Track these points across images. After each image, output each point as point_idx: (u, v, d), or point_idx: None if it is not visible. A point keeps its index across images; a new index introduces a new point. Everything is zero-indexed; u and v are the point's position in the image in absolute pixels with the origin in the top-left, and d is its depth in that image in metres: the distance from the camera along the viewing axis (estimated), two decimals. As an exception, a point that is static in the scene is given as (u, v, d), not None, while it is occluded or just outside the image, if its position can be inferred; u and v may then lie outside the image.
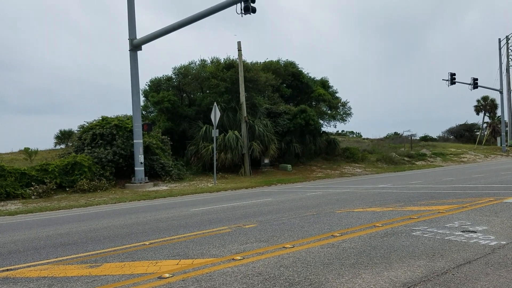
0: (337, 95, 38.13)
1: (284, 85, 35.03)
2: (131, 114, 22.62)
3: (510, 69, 48.05)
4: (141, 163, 21.58)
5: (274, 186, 20.56)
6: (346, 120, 37.79)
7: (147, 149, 23.03)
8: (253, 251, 5.32)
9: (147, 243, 6.53)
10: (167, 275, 4.42)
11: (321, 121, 35.55)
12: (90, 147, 22.05)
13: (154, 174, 23.23)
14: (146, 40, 21.60)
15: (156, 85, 30.18)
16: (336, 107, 37.13)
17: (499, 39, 47.80)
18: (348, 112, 37.44)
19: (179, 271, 4.56)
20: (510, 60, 48.11)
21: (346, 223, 7.11)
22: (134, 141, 21.73)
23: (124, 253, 5.84)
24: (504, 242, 4.97)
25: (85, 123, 24.25)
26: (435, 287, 3.59)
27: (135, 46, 21.73)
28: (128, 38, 21.77)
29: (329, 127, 37.96)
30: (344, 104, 37.60)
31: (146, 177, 22.06)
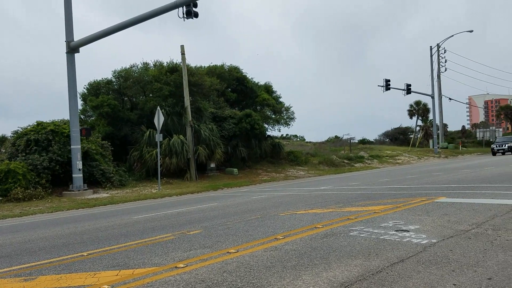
0: (280, 100, 38.83)
1: (229, 89, 35.14)
2: (69, 118, 21.66)
3: (441, 76, 51.44)
4: (79, 169, 20.70)
5: (220, 191, 20.52)
6: (289, 124, 38.60)
7: (86, 155, 22.13)
8: (197, 258, 5.30)
9: (85, 253, 6.29)
10: (106, 286, 4.29)
11: (266, 125, 36.02)
12: (24, 154, 20.86)
13: (94, 181, 22.35)
14: (84, 42, 20.81)
15: (95, 88, 29.07)
16: (280, 112, 37.79)
17: (431, 47, 51.03)
18: (292, 116, 38.28)
19: (119, 282, 4.44)
20: (441, 67, 51.49)
21: (289, 225, 7.27)
22: (72, 146, 20.82)
23: (60, 265, 5.59)
24: (435, 240, 5.32)
25: (19, 129, 22.95)
26: (370, 286, 3.78)
27: (72, 49, 20.86)
28: (65, 40, 20.85)
29: (273, 131, 38.65)
30: (288, 109, 38.38)
31: (85, 184, 21.19)
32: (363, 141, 58.16)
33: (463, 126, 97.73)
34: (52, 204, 17.54)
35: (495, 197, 8.92)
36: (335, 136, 59.46)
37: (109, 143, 24.83)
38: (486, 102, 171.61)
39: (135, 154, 25.79)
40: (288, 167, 31.86)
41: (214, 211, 10.78)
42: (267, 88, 38.30)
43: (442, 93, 51.54)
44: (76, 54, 21.27)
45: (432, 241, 5.30)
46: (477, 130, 66.65)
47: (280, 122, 37.93)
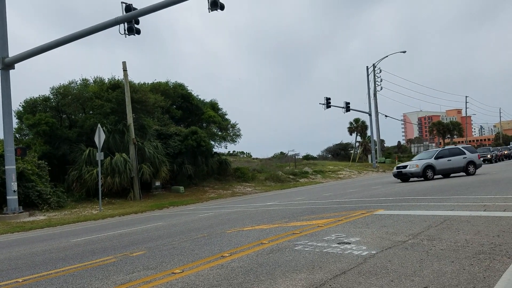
0: (226, 117, 38.99)
1: (174, 106, 34.78)
2: (2, 137, 20.39)
3: (377, 94, 54.05)
4: (14, 191, 19.45)
5: (166, 209, 20.07)
6: (236, 141, 38.75)
7: (21, 176, 20.84)
8: (140, 280, 5.14)
9: (20, 280, 5.90)
10: (42, 315, 4.05)
11: (213, 142, 35.92)
12: (-50, 175, 19.27)
13: (30, 203, 21.06)
14: (20, 58, 19.84)
15: (32, 106, 27.62)
16: (226, 129, 37.90)
17: (367, 67, 53.63)
18: (238, 133, 38.49)
19: (56, 309, 4.20)
20: (377, 86, 54.14)
21: (235, 242, 7.26)
22: (6, 167, 19.56)
23: (-10, 295, 5.20)
24: (374, 252, 5.54)
25: None
26: (314, 298, 3.86)
27: (7, 65, 19.79)
28: (-2, 55, 19.75)
29: (220, 148, 38.56)
30: (234, 126, 38.58)
31: (21, 207, 19.91)
32: (307, 157, 59.52)
33: (399, 142, 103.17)
34: (-18, 229, 16.27)
35: (430, 209, 9.46)
36: (281, 152, 60.41)
37: (46, 163, 23.59)
38: (419, 119, 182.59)
39: (73, 173, 24.65)
40: (235, 184, 31.85)
41: (159, 231, 10.53)
42: (213, 105, 38.36)
43: (379, 111, 54.06)
44: (11, 71, 20.20)
45: (372, 252, 5.51)
46: (412, 145, 70.63)
47: (227, 139, 38.00)
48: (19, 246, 10.54)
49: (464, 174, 22.59)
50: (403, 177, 22.63)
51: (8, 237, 13.65)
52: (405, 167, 22.65)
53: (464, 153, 22.74)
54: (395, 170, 23.37)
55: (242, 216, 12.19)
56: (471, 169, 22.46)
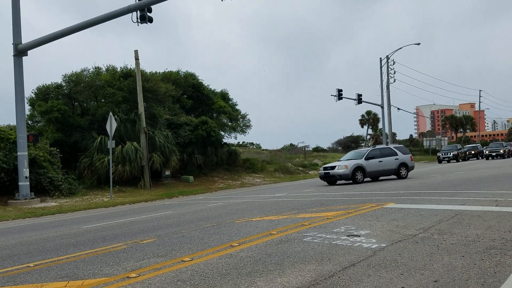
0: (237, 107, 38.97)
1: (185, 96, 34.82)
2: (15, 124, 20.62)
3: (390, 86, 53.52)
4: (26, 177, 19.71)
5: (176, 198, 20.21)
6: (246, 132, 38.81)
7: (33, 162, 21.10)
8: (150, 267, 5.19)
9: (31, 265, 5.99)
10: (53, 299, 4.10)
11: (222, 133, 35.97)
12: (-35, 160, 19.59)
13: (41, 189, 21.34)
14: (33, 45, 19.95)
15: (44, 93, 27.85)
16: (236, 119, 37.90)
17: (380, 58, 53.01)
18: (248, 124, 38.49)
19: (67, 294, 4.26)
20: (390, 78, 53.59)
21: (244, 232, 7.28)
22: (18, 153, 19.80)
23: (5, 277, 5.29)
24: (384, 245, 5.51)
25: (-40, 134, 21.54)
26: (323, 289, 3.85)
27: (20, 52, 19.92)
28: (12, 42, 19.89)
29: (230, 139, 38.63)
30: (244, 117, 38.58)
31: (32, 193, 20.18)
32: (317, 149, 59.42)
33: (411, 135, 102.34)
34: (-5, 214, 16.57)
35: (441, 203, 9.38)
36: (290, 144, 60.38)
37: (58, 150, 23.84)
38: (432, 112, 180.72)
39: (85, 161, 24.90)
40: (244, 175, 31.92)
41: (168, 220, 10.60)
42: (224, 96, 38.33)
43: (391, 103, 53.47)
44: (24, 57, 20.36)
45: (382, 245, 5.48)
46: (424, 139, 69.94)
47: (237, 130, 38.03)
48: (30, 231, 10.71)
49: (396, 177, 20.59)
50: (330, 179, 20.29)
51: (19, 223, 13.87)
52: (333, 168, 20.09)
53: (396, 154, 20.73)
54: (321, 171, 20.86)
55: (251, 207, 12.22)
56: (403, 171, 20.54)
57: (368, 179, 20.80)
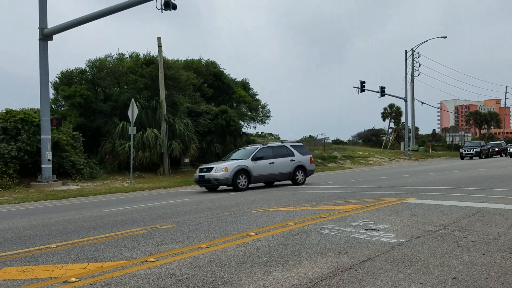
0: (257, 97, 38.89)
1: (206, 84, 34.92)
2: (39, 107, 21.05)
3: (414, 80, 52.51)
4: (48, 160, 20.15)
5: (194, 186, 20.38)
6: (265, 122, 38.75)
7: (56, 146, 21.56)
8: (168, 252, 5.26)
9: (52, 245, 6.14)
10: (73, 279, 4.20)
11: (242, 122, 36.00)
12: (-9, 142, 20.15)
13: (63, 172, 21.81)
14: (59, 29, 20.24)
15: (68, 78, 28.31)
16: (256, 109, 37.85)
17: (405, 51, 52.00)
18: (267, 114, 38.43)
19: (87, 275, 4.36)
20: (414, 71, 52.56)
21: (261, 222, 7.30)
22: (42, 136, 20.24)
23: (26, 257, 5.45)
24: (403, 240, 5.44)
25: (-14, 116, 22.14)
26: (340, 283, 3.84)
27: (45, 36, 20.24)
28: (38, 27, 20.22)
29: (249, 128, 38.65)
30: (264, 107, 38.49)
31: (55, 176, 20.64)
32: (337, 142, 58.89)
33: (434, 130, 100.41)
34: (20, 195, 17.04)
35: (462, 200, 9.20)
36: (310, 135, 59.95)
37: (81, 134, 24.27)
38: (456, 107, 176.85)
39: (107, 146, 25.30)
40: (262, 165, 31.90)
41: (186, 206, 10.72)
42: (244, 85, 38.29)
43: (415, 97, 52.59)
44: (49, 42, 20.68)
45: (401, 240, 5.42)
46: (447, 134, 68.55)
47: (256, 120, 38.01)
48: (52, 213, 10.98)
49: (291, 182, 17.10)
50: (206, 184, 16.22)
51: (41, 204, 14.23)
52: (209, 169, 15.88)
53: (293, 154, 17.05)
54: (197, 173, 16.67)
55: (268, 197, 12.24)
56: (299, 176, 17.00)
57: (262, 184, 17.56)
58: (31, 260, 5.25)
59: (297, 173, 16.99)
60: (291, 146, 17.65)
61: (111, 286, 3.95)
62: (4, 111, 21.86)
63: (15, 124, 20.75)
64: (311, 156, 18.41)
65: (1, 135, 20.42)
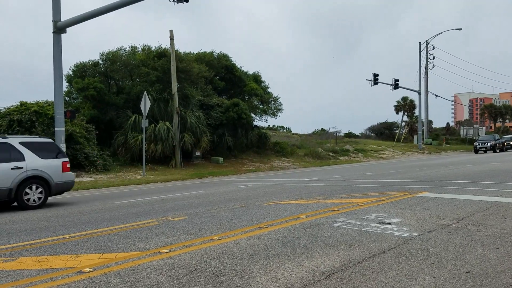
0: (269, 90, 38.76)
1: (217, 77, 34.90)
2: (53, 100, 21.29)
3: (428, 72, 51.79)
4: (63, 152, 20.39)
5: (205, 179, 20.49)
6: (277, 115, 38.61)
7: (69, 138, 21.81)
8: (181, 244, 5.30)
9: (67, 236, 6.24)
10: (87, 269, 4.27)
11: (253, 115, 35.94)
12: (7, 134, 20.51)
13: (77, 164, 22.07)
14: (72, 22, 20.33)
15: (81, 70, 28.57)
16: (267, 102, 37.74)
17: (419, 43, 51.22)
18: (279, 107, 38.26)
19: (101, 265, 4.42)
20: (428, 63, 51.83)
21: (273, 215, 7.31)
22: (56, 129, 20.44)
23: (41, 247, 5.54)
24: (416, 234, 5.41)
25: (2, 109, 22.51)
26: (352, 276, 3.83)
27: (59, 29, 20.37)
28: (52, 19, 20.37)
29: (260, 121, 38.57)
30: (276, 100, 38.35)
31: (69, 168, 20.92)
32: (349, 135, 58.55)
33: (448, 123, 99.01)
34: (34, 186, 17.29)
35: (476, 194, 9.09)
36: (321, 128, 59.80)
37: (94, 127, 24.52)
38: (471, 100, 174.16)
39: (120, 139, 25.52)
40: (273, 158, 31.93)
41: (198, 199, 10.78)
42: (256, 78, 38.17)
43: (429, 90, 51.90)
44: (62, 35, 20.83)
45: (413, 234, 5.39)
46: (461, 127, 67.58)
47: (268, 113, 37.90)
48: (66, 204, 11.13)
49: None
50: None
51: (55, 196, 14.41)
52: None
53: (22, 158, 10.48)
54: None
55: (279, 190, 12.24)
56: (31, 195, 10.51)
57: None
58: (46, 250, 5.34)
59: (28, 190, 10.48)
60: (22, 143, 10.79)
61: (125, 276, 4.00)
62: (19, 104, 22.18)
63: (30, 117, 21.05)
64: (65, 160, 11.66)
65: (16, 127, 20.73)
